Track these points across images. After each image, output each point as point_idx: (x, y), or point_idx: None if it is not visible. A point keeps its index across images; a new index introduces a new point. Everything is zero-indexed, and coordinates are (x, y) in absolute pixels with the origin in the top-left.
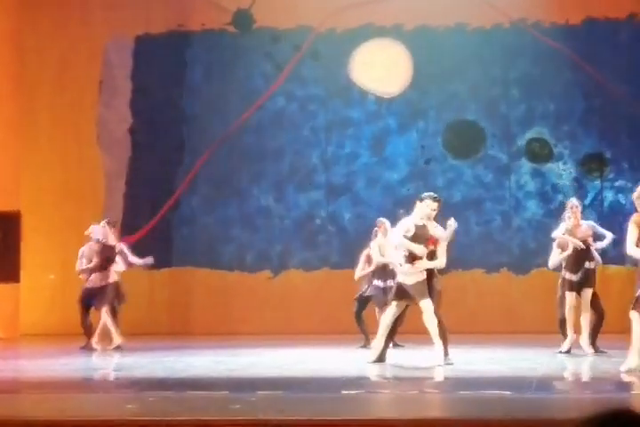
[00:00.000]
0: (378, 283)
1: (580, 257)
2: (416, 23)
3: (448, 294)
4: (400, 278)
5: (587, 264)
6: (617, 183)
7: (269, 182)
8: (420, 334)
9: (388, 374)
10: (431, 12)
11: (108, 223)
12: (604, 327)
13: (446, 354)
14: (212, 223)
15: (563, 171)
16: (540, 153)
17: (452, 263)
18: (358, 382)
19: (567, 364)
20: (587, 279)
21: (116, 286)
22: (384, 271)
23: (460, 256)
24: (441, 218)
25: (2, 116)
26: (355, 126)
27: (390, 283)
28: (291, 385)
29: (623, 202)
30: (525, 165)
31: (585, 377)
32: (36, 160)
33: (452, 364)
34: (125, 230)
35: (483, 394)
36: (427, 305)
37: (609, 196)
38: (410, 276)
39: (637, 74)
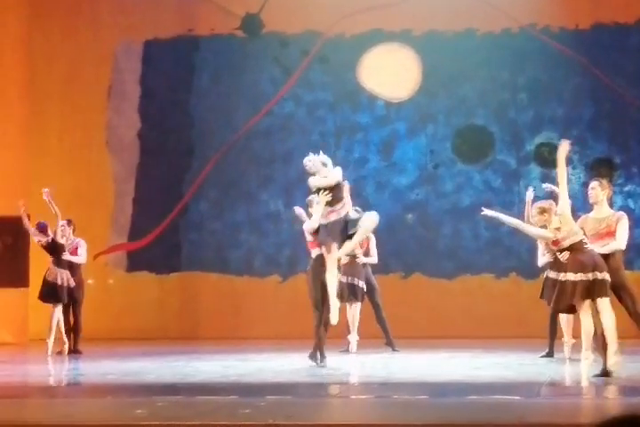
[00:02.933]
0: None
1: None
2: (425, 28)
3: (457, 298)
4: None
5: None
6: (626, 188)
7: (278, 187)
8: (421, 339)
9: (395, 379)
10: (440, 17)
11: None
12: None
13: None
14: (221, 228)
15: (572, 175)
16: (549, 158)
17: (461, 268)
18: (367, 386)
19: (575, 368)
20: None
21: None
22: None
23: (469, 261)
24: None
25: (12, 121)
26: (363, 131)
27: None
28: (300, 390)
29: (633, 207)
30: (534, 170)
31: (595, 382)
32: (46, 165)
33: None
34: (134, 235)
35: (492, 399)
36: None
37: (618, 201)
38: None
39: None
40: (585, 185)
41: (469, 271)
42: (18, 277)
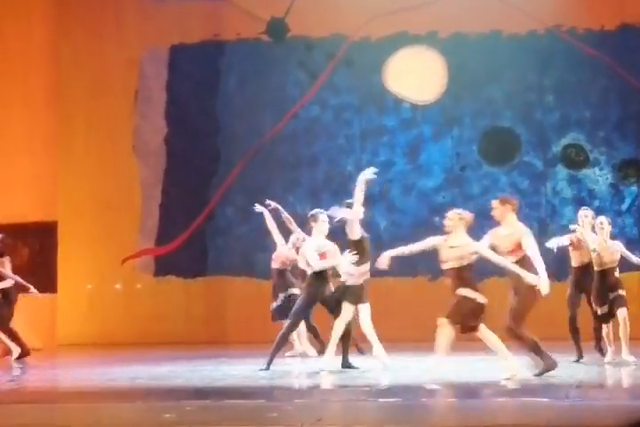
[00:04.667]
0: None
1: (604, 287)
2: (450, 30)
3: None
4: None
5: (611, 295)
6: None
7: (304, 191)
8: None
9: (424, 381)
10: (465, 19)
11: None
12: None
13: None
14: (247, 233)
15: (599, 177)
16: (575, 159)
17: (489, 270)
18: (395, 389)
19: (606, 371)
20: (617, 305)
21: None
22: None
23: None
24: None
25: (38, 127)
26: (389, 134)
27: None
28: (327, 393)
29: None
30: (561, 172)
31: (624, 384)
32: (73, 170)
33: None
34: (161, 240)
35: (521, 401)
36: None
37: None
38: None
39: None
40: (612, 186)
41: (497, 274)
42: (46, 283)
